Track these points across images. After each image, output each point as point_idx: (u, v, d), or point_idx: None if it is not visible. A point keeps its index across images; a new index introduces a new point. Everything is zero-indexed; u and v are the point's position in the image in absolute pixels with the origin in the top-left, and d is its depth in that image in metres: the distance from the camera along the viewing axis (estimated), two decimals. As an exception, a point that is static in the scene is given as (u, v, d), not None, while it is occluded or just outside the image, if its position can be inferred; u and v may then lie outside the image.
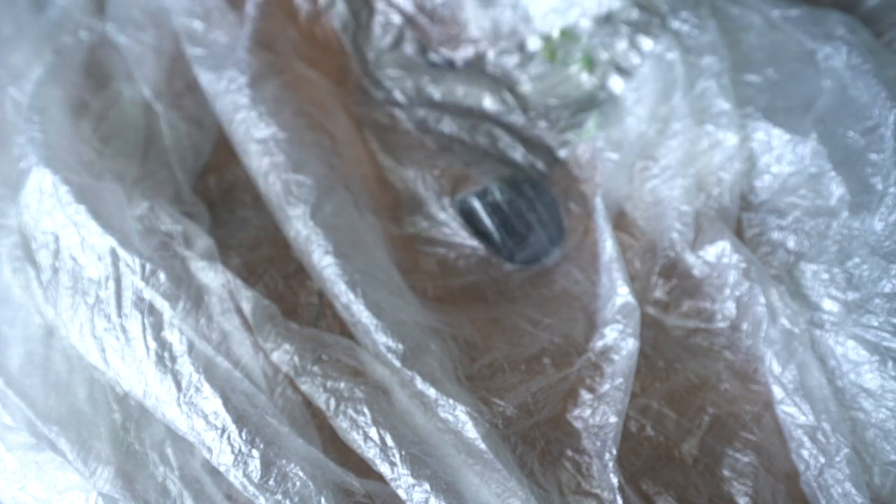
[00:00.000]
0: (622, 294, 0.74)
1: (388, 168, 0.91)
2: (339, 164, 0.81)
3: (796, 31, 0.82)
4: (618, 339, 0.72)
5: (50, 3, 0.93)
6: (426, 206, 0.88)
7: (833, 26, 0.80)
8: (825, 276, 0.72)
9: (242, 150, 0.81)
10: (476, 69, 0.99)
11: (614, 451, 0.65)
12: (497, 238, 0.84)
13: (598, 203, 0.82)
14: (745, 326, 0.74)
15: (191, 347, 0.65)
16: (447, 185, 0.89)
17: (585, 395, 0.70)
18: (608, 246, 0.78)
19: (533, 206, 0.88)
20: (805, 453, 0.65)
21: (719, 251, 0.75)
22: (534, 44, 0.97)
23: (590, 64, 0.95)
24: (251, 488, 0.60)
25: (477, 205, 0.87)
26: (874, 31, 0.84)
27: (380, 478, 0.63)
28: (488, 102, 0.97)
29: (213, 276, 0.70)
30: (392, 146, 0.93)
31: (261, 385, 0.67)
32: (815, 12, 0.82)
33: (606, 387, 0.69)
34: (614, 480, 0.64)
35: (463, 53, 1.00)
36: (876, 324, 0.67)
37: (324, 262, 0.72)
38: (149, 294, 0.67)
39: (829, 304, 0.71)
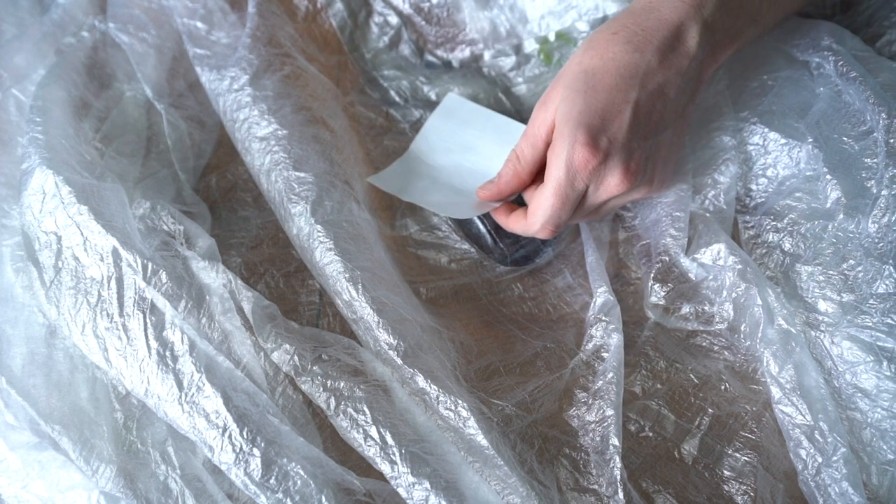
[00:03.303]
0: (601, 293, 0.76)
1: (382, 169, 0.91)
2: (340, 159, 0.82)
3: (784, 45, 0.82)
4: (604, 336, 0.73)
5: (52, 4, 0.93)
6: (419, 210, 0.89)
7: (819, 37, 0.80)
8: (821, 277, 0.73)
9: (244, 148, 0.81)
10: (472, 70, 1.00)
11: (617, 443, 0.66)
12: (489, 240, 0.84)
13: None
14: (743, 327, 0.74)
15: (192, 347, 0.66)
16: (440, 188, 0.90)
17: (580, 394, 0.71)
18: (589, 255, 0.81)
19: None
20: (803, 453, 0.66)
21: (714, 254, 0.75)
22: (530, 46, 0.98)
23: (585, 66, 0.95)
24: (252, 487, 0.61)
25: (469, 208, 0.87)
26: (872, 33, 0.84)
27: (380, 476, 0.63)
28: (484, 104, 0.97)
29: (214, 276, 0.70)
30: (387, 148, 0.94)
31: (262, 384, 0.67)
32: (802, 24, 0.83)
33: (599, 383, 0.70)
34: (617, 472, 0.65)
35: (459, 54, 1.00)
36: (871, 324, 0.68)
37: (325, 259, 0.72)
38: (150, 294, 0.67)
39: (824, 306, 0.72)
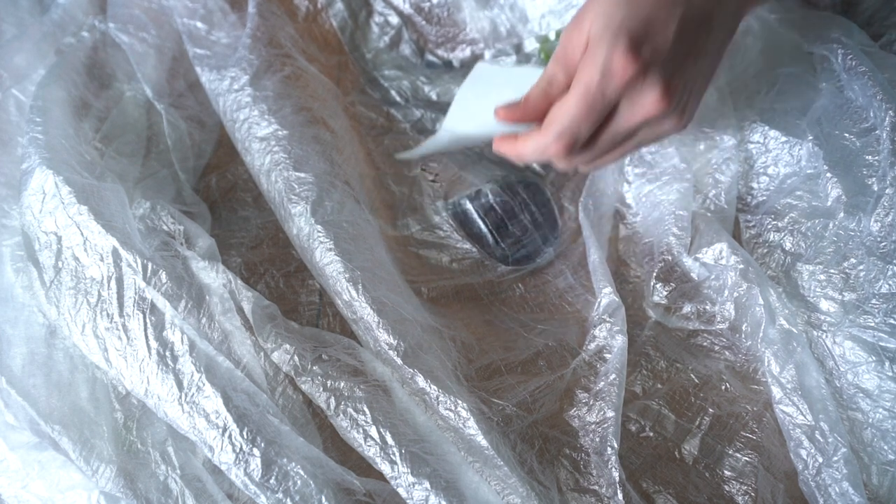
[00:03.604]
0: (606, 293, 0.75)
1: (383, 170, 0.91)
2: (340, 159, 0.82)
3: (793, 35, 0.82)
4: (607, 337, 0.73)
5: (52, 4, 0.93)
6: (420, 210, 0.89)
7: (829, 29, 0.80)
8: (822, 276, 0.73)
9: (244, 148, 0.81)
10: (473, 70, 1.00)
11: (616, 445, 0.66)
12: (490, 240, 0.84)
13: (581, 211, 0.83)
14: (744, 327, 0.74)
15: (192, 347, 0.65)
16: (441, 188, 0.90)
17: (581, 395, 0.70)
18: (592, 253, 0.80)
19: (527, 206, 0.88)
20: (803, 453, 0.66)
21: (717, 253, 0.75)
22: (530, 45, 0.98)
23: (586, 66, 0.95)
24: (252, 487, 0.61)
25: (469, 207, 0.87)
26: (873, 33, 0.84)
27: (380, 476, 0.63)
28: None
29: (214, 276, 0.70)
30: (388, 148, 0.94)
31: (262, 384, 0.67)
32: (811, 15, 0.83)
33: (601, 384, 0.70)
34: (615, 474, 0.65)
35: (460, 54, 1.00)
36: (873, 324, 0.68)
37: (325, 260, 0.72)
38: (150, 294, 0.67)
39: (826, 305, 0.72)
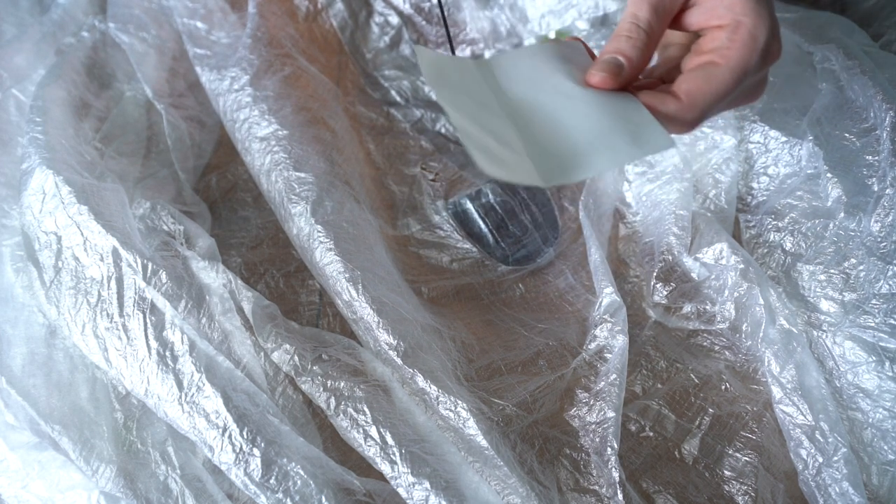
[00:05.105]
0: (607, 293, 0.75)
1: (383, 170, 0.91)
2: (340, 159, 0.82)
3: (792, 34, 0.82)
4: (608, 337, 0.72)
5: (52, 4, 0.93)
6: (420, 209, 0.89)
7: (829, 29, 0.80)
8: (822, 277, 0.73)
9: (244, 148, 0.81)
10: (473, 70, 1.00)
11: (616, 445, 0.66)
12: (490, 240, 0.84)
13: (581, 210, 0.83)
14: (744, 327, 0.74)
15: (192, 347, 0.65)
16: (441, 187, 0.90)
17: (581, 394, 0.70)
18: (593, 253, 0.80)
19: (527, 206, 0.88)
20: (803, 453, 0.65)
21: (717, 253, 0.75)
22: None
23: (585, 66, 0.95)
24: (252, 487, 0.61)
25: (469, 207, 0.87)
26: (872, 33, 0.84)
27: (380, 476, 0.63)
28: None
29: (214, 276, 0.70)
30: (388, 148, 0.94)
31: (262, 384, 0.67)
32: (811, 15, 0.83)
33: (602, 384, 0.70)
34: (615, 474, 0.64)
35: (460, 54, 1.00)
36: (873, 324, 0.68)
37: (325, 260, 0.72)
38: (150, 294, 0.67)
39: (826, 305, 0.72)
